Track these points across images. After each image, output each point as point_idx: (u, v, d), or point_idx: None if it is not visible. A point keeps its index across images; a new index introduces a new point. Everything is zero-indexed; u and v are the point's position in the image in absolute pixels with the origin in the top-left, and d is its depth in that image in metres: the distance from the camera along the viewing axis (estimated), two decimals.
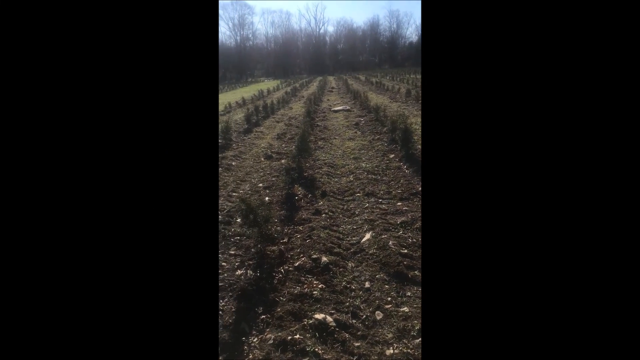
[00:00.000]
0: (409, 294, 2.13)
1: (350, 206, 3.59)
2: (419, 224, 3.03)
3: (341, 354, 1.70)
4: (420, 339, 1.76)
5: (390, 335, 1.80)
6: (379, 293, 2.15)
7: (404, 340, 1.76)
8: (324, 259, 2.47)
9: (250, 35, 65.19)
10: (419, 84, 18.53)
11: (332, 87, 21.53)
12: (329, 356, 1.67)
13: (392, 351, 1.70)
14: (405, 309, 1.99)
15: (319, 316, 1.91)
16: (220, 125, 6.46)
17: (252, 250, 2.70)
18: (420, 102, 10.97)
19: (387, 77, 28.35)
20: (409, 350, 1.69)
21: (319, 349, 1.71)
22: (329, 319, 1.89)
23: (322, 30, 70.74)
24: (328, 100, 14.13)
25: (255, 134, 7.65)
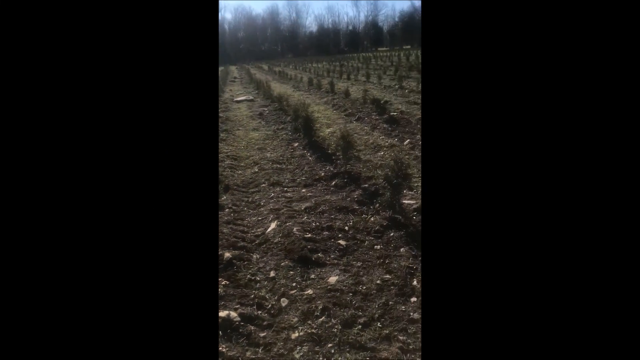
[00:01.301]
0: (312, 276, 2.20)
1: (255, 198, 3.53)
2: (322, 207, 3.14)
3: (246, 347, 1.67)
4: (323, 317, 1.83)
5: (295, 320, 1.84)
6: (284, 280, 2.17)
7: (309, 322, 1.81)
8: (227, 254, 2.40)
9: None
10: (320, 72, 19.06)
11: (235, 77, 20.79)
12: (234, 352, 1.63)
13: (297, 334, 1.74)
14: (310, 291, 2.05)
15: (223, 314, 1.84)
16: None
17: None
18: (321, 90, 11.30)
19: (290, 66, 28.48)
20: (312, 330, 1.74)
21: (223, 347, 1.65)
22: (233, 314, 1.85)
23: (220, 18, 67.37)
24: (230, 90, 13.61)
25: None
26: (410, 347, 1.64)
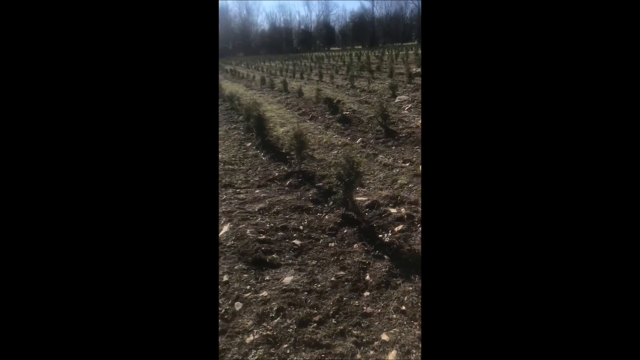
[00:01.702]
0: (267, 277, 2.18)
1: None
2: (276, 207, 3.12)
3: None
4: (278, 318, 1.82)
5: (250, 323, 1.81)
6: (238, 284, 2.12)
7: (264, 324, 1.79)
8: None
9: None
10: (273, 71, 18.89)
11: None
12: None
13: (252, 338, 1.71)
14: (265, 293, 2.02)
15: None
16: None
17: None
18: (274, 89, 11.21)
19: (242, 65, 27.92)
20: (268, 332, 1.73)
21: None
22: None
23: None
24: None
25: None
26: (364, 340, 1.68)
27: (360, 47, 60.74)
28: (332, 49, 63.31)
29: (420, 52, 22.85)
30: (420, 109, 6.40)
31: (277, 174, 3.93)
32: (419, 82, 9.43)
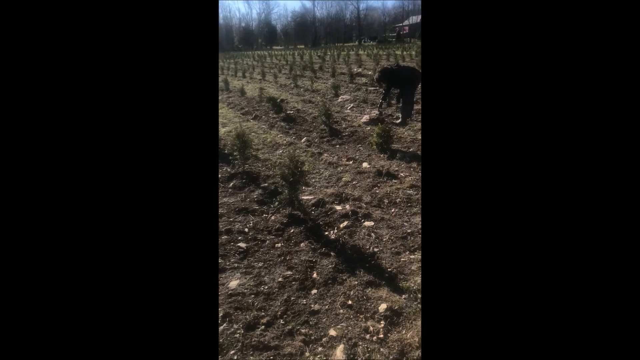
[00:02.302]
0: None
1: None
2: (220, 210, 3.02)
3: None
4: (224, 324, 1.77)
5: None
6: None
7: None
8: None
9: None
10: (225, 71, 18.23)
11: None
12: None
13: None
14: None
15: None
16: None
17: None
18: (225, 91, 10.84)
19: None
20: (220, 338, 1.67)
21: None
22: None
23: None
24: None
25: None
26: (312, 337, 1.70)
27: (302, 46, 61.06)
28: (274, 47, 62.86)
29: (360, 52, 23.58)
30: (361, 108, 6.60)
31: (219, 176, 3.81)
32: (361, 81, 9.73)
